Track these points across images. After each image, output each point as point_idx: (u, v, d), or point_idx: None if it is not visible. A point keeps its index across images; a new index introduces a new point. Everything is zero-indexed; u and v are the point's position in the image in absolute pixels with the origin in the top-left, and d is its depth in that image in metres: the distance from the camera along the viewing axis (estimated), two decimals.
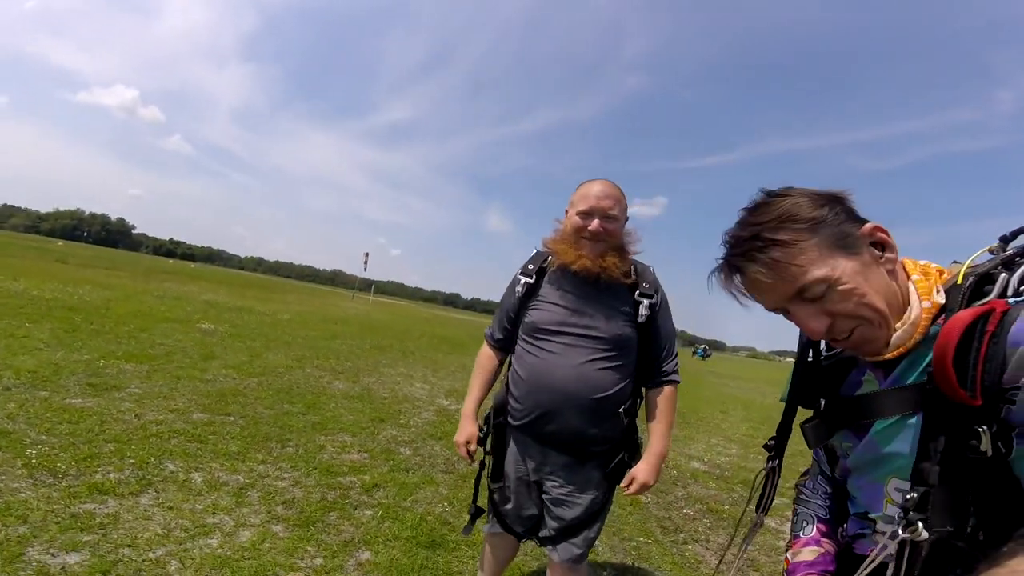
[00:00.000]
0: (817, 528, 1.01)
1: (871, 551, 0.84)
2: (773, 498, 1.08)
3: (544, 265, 1.83)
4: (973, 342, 0.68)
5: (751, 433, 8.35)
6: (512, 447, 1.82)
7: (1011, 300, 0.70)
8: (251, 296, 18.67)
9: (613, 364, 1.69)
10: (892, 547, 0.76)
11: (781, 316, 0.87)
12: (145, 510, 2.47)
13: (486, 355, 1.97)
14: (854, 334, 0.81)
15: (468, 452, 1.87)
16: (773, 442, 1.09)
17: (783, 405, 1.03)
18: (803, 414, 1.08)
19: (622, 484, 1.74)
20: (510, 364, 1.86)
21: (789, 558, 1.02)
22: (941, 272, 0.84)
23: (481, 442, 1.89)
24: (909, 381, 0.80)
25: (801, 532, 1.04)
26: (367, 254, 37.46)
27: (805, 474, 1.13)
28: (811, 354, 0.98)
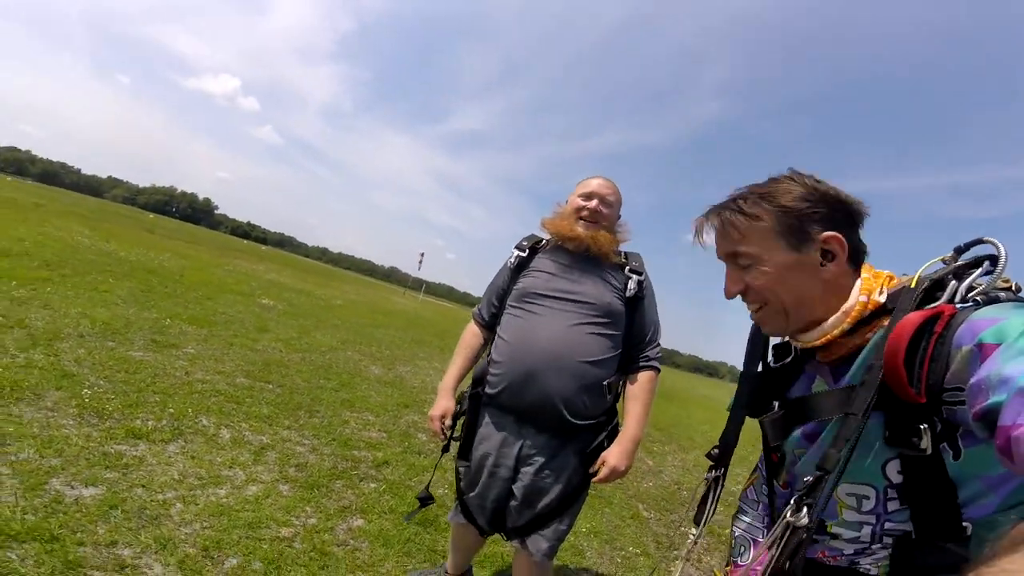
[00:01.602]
0: (753, 554, 1.02)
1: (822, 554, 0.88)
2: (715, 510, 1.11)
3: (537, 245, 1.89)
4: (921, 342, 0.71)
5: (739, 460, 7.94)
6: (485, 424, 1.76)
7: (958, 305, 0.74)
8: (311, 281, 19.62)
9: (601, 331, 1.67)
10: (777, 531, 0.81)
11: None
12: (169, 456, 2.73)
13: (471, 332, 1.96)
14: (759, 311, 0.92)
15: (441, 428, 1.83)
16: (717, 451, 1.13)
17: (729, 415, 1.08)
18: (750, 424, 1.12)
19: (592, 467, 1.69)
20: (494, 341, 1.83)
21: None
22: (892, 278, 0.88)
23: (457, 418, 1.84)
24: (855, 381, 0.82)
25: (739, 559, 1.05)
26: (422, 254, 38.73)
27: (751, 475, 1.13)
28: (760, 364, 1.03)
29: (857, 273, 0.87)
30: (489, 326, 1.91)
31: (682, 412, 12.83)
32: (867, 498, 0.81)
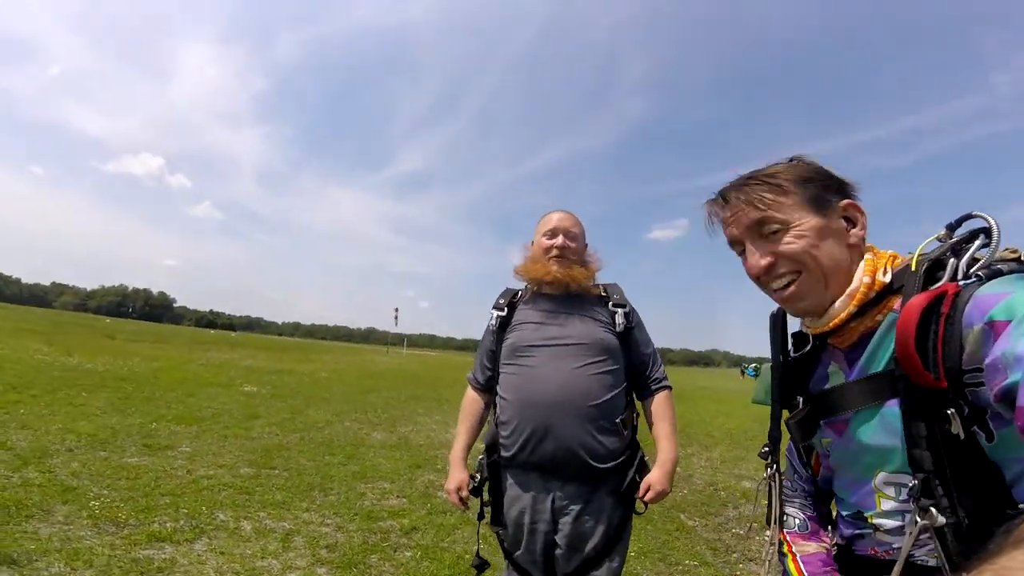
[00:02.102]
0: (810, 522, 1.00)
1: (873, 550, 0.85)
2: (782, 509, 1.05)
3: (514, 299, 1.85)
4: (931, 325, 0.69)
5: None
6: (511, 485, 1.69)
7: (961, 282, 0.72)
8: (289, 359, 19.16)
9: (601, 370, 1.64)
10: (908, 539, 0.75)
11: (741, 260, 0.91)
12: (199, 555, 2.60)
13: (470, 398, 1.89)
14: (792, 285, 0.85)
15: (460, 499, 1.74)
16: (768, 448, 1.08)
17: (770, 408, 1.02)
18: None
19: (639, 493, 1.65)
20: (495, 404, 1.78)
21: (796, 552, 0.98)
22: (895, 257, 0.86)
23: (476, 490, 1.76)
24: (878, 369, 0.80)
25: (796, 528, 1.02)
26: (396, 309, 39.68)
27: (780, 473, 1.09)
28: (782, 355, 0.99)
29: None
30: (487, 389, 1.87)
31: (692, 409, 12.78)
32: (906, 486, 0.78)
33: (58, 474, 3.39)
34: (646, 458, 1.72)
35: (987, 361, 0.63)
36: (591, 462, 1.59)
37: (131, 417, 5.53)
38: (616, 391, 1.65)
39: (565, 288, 1.74)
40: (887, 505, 0.81)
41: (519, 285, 1.91)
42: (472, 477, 1.77)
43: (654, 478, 1.64)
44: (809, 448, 1.01)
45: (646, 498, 1.64)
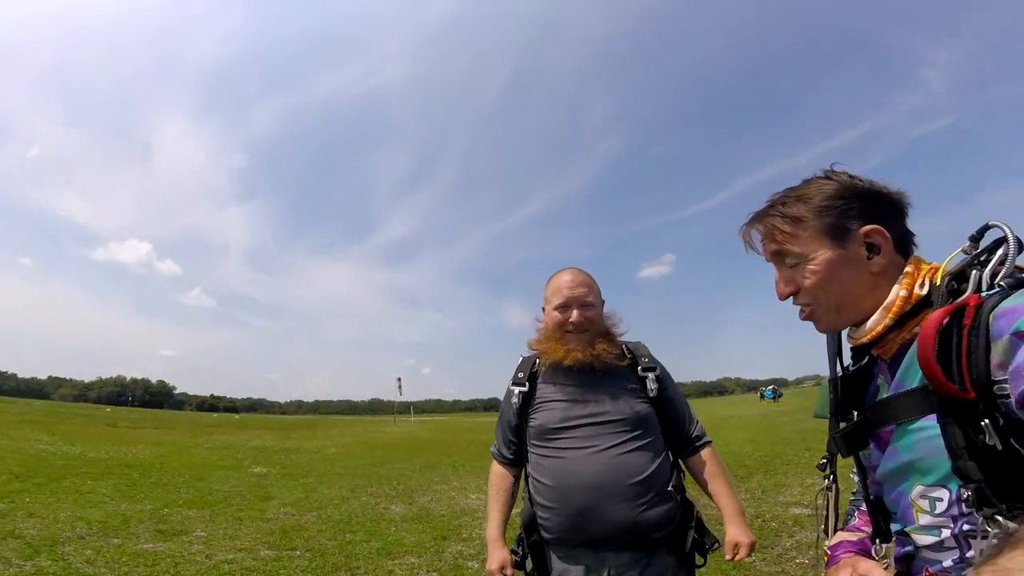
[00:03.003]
0: (860, 517, 1.01)
1: (927, 571, 0.81)
2: (839, 518, 1.06)
3: (534, 369, 1.72)
4: (953, 338, 0.70)
5: (846, 463, 7.46)
6: (557, 560, 1.60)
7: (984, 294, 0.73)
8: (296, 437, 18.70)
9: (639, 444, 1.56)
10: (977, 546, 0.74)
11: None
12: None
13: (498, 473, 1.79)
14: (808, 311, 0.91)
15: None
16: (825, 460, 1.09)
17: (819, 421, 1.04)
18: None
19: (727, 556, 1.57)
20: (527, 479, 1.70)
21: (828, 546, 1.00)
22: (936, 270, 0.85)
23: (519, 566, 1.65)
24: (914, 382, 0.80)
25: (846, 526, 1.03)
26: (399, 379, 39.50)
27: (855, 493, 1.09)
28: (840, 368, 0.99)
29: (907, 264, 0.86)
30: (514, 464, 1.77)
31: (719, 440, 12.21)
32: (940, 500, 0.77)
33: (72, 562, 3.19)
34: (700, 514, 1.63)
35: (1011, 368, 0.64)
36: (646, 533, 1.52)
37: (141, 503, 5.29)
38: (659, 460, 1.58)
39: (590, 367, 1.62)
40: (924, 519, 0.80)
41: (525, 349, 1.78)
42: (514, 552, 1.65)
43: (737, 534, 1.57)
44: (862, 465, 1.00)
45: (739, 556, 1.56)
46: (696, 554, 1.61)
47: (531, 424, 1.66)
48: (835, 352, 0.99)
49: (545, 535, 1.59)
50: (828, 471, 1.07)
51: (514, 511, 1.73)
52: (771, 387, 57.14)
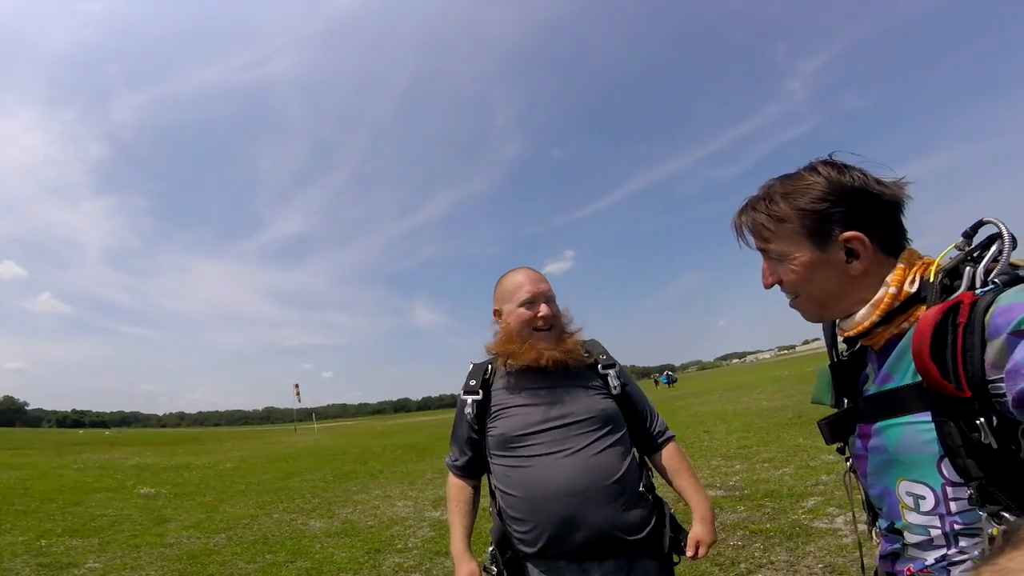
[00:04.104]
0: None
1: (908, 570, 0.82)
2: (866, 497, 1.03)
3: (487, 376, 1.65)
4: (948, 336, 0.70)
5: (745, 444, 7.82)
6: (538, 573, 1.51)
7: (978, 291, 0.73)
8: (183, 452, 17.00)
9: (610, 442, 1.52)
10: (984, 544, 0.74)
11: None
12: None
13: (456, 486, 1.70)
14: (793, 301, 0.95)
15: None
16: (841, 444, 1.06)
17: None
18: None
19: (688, 553, 1.55)
20: (492, 494, 1.63)
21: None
22: (927, 266, 0.84)
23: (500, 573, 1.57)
24: (904, 379, 0.81)
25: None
26: (296, 385, 37.36)
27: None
28: (835, 354, 1.00)
29: (895, 261, 0.86)
30: (471, 475, 1.70)
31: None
32: (923, 498, 0.78)
33: None
34: (672, 511, 1.63)
35: (1008, 367, 0.64)
36: (626, 537, 1.48)
37: (10, 534, 4.56)
38: (629, 458, 1.55)
39: (564, 365, 1.56)
40: (910, 516, 0.81)
41: (478, 356, 1.72)
42: (486, 569, 1.56)
43: (701, 534, 1.55)
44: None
45: (700, 554, 1.55)
46: (673, 552, 1.59)
47: (491, 434, 1.57)
48: (831, 339, 1.00)
49: (523, 549, 1.50)
50: (848, 453, 1.01)
51: (486, 527, 1.63)
52: (666, 372, 57.80)
